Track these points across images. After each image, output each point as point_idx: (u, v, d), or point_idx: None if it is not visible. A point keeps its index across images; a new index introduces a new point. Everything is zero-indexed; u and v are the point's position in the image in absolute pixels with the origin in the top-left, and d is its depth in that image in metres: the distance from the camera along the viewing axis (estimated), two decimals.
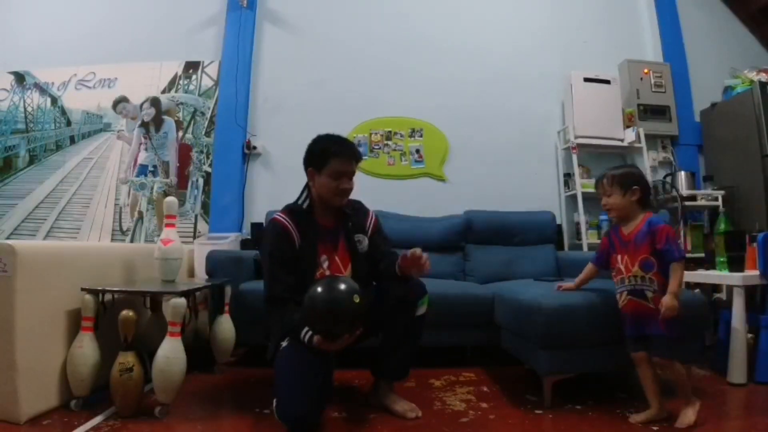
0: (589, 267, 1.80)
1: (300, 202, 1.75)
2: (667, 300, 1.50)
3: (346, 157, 1.70)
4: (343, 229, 1.78)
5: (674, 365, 1.56)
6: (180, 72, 3.56)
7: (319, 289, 1.51)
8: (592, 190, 3.30)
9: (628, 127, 3.38)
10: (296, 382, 1.48)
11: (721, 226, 2.22)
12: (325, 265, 1.72)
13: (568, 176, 3.40)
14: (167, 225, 2.05)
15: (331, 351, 1.51)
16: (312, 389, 1.47)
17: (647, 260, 1.56)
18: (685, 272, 2.40)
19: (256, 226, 3.22)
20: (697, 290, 2.45)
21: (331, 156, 1.68)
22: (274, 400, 1.49)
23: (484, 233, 3.04)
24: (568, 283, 1.86)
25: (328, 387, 1.59)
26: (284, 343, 1.60)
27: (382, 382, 1.75)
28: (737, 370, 1.97)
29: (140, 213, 3.42)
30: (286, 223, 1.67)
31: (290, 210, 1.73)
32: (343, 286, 1.50)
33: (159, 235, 2.10)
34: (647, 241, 1.57)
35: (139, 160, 3.48)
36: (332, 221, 1.77)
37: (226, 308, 2.24)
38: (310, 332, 1.50)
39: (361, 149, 3.44)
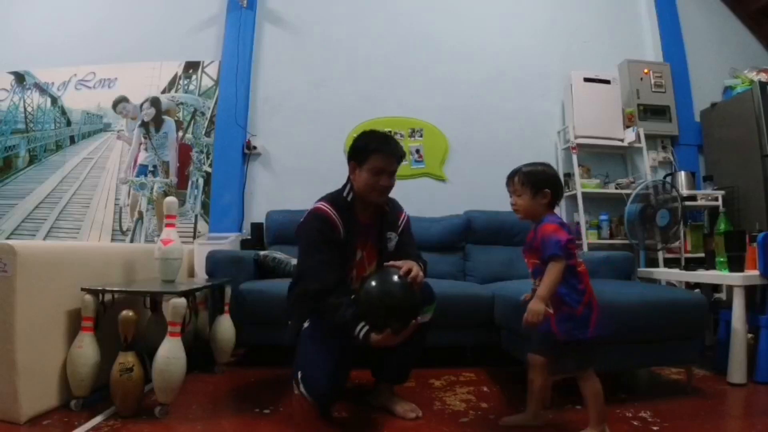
0: None
1: (345, 194, 1.71)
2: (531, 304, 1.38)
3: (387, 153, 1.67)
4: (377, 226, 1.76)
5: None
6: (180, 72, 3.56)
7: (374, 283, 1.49)
8: (592, 190, 3.31)
9: (628, 127, 3.38)
10: (322, 359, 1.53)
11: (721, 226, 2.22)
12: (358, 259, 1.71)
13: (568, 176, 3.40)
14: (167, 225, 2.05)
15: (392, 345, 1.50)
16: (336, 365, 1.52)
17: (536, 267, 1.48)
18: (685, 272, 2.44)
19: (256, 226, 3.22)
20: (697, 290, 2.45)
21: (372, 152, 1.65)
22: (298, 373, 1.55)
23: (484, 233, 3.04)
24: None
25: (349, 364, 1.63)
26: (306, 324, 1.63)
27: (382, 384, 1.75)
28: (737, 370, 1.97)
29: (140, 213, 3.42)
30: (331, 214, 1.65)
31: (333, 201, 1.70)
32: (396, 278, 1.48)
33: (159, 235, 2.10)
34: (536, 245, 1.48)
35: (139, 160, 3.48)
36: (370, 217, 1.75)
37: (226, 308, 2.24)
38: (365, 328, 1.48)
39: None
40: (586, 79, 3.42)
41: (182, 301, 1.69)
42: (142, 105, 3.53)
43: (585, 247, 3.16)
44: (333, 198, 1.71)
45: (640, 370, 2.20)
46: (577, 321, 1.40)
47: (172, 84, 3.55)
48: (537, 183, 1.51)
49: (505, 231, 3.05)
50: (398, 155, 1.70)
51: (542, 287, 1.38)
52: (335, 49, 3.61)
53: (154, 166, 3.47)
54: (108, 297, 1.75)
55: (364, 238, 1.74)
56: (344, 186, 1.73)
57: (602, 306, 1.71)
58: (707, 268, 2.35)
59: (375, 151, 1.65)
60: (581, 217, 3.21)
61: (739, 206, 3.19)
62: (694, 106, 3.61)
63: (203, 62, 3.56)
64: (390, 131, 3.48)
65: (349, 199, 1.70)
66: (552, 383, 1.55)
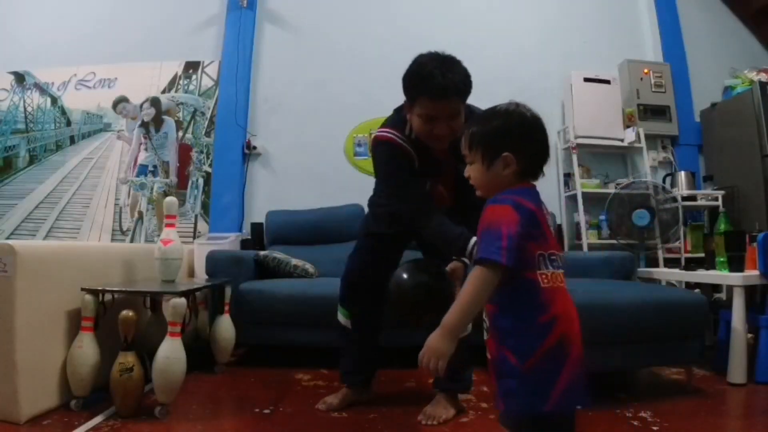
0: None
1: (408, 132, 1.48)
2: (431, 337, 0.85)
3: (436, 96, 1.34)
4: (450, 156, 1.45)
5: None
6: (180, 72, 3.56)
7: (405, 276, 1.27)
8: (592, 190, 3.31)
9: (628, 127, 3.38)
10: (365, 261, 1.68)
11: (721, 226, 2.22)
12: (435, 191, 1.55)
13: (568, 176, 3.40)
14: (167, 225, 2.05)
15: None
16: (375, 273, 1.59)
17: None
18: (685, 272, 2.44)
19: (256, 226, 3.22)
20: (697, 290, 2.45)
21: (419, 93, 1.37)
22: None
23: None
24: None
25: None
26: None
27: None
28: (737, 370, 1.97)
29: (140, 213, 3.42)
30: (400, 141, 1.45)
31: (399, 131, 1.48)
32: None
33: (159, 235, 2.10)
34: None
35: (139, 160, 3.48)
36: (446, 150, 1.46)
37: (226, 308, 2.24)
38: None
39: (361, 149, 3.44)
40: (586, 79, 3.42)
41: (182, 301, 1.69)
42: (142, 105, 3.53)
43: (585, 248, 3.15)
44: (398, 129, 1.49)
45: (640, 370, 2.20)
46: (525, 381, 0.83)
47: (172, 84, 3.55)
48: (490, 144, 0.94)
49: None
50: (458, 93, 1.37)
51: (450, 311, 0.85)
52: (335, 49, 3.61)
53: (154, 166, 3.47)
54: (108, 297, 1.74)
55: (438, 170, 1.51)
56: (404, 115, 1.48)
57: (602, 307, 1.74)
58: (707, 268, 2.35)
59: (421, 94, 1.37)
60: (581, 217, 3.21)
61: (739, 206, 3.19)
62: (694, 106, 3.61)
63: (203, 62, 3.56)
64: None
65: (412, 137, 1.48)
66: None
